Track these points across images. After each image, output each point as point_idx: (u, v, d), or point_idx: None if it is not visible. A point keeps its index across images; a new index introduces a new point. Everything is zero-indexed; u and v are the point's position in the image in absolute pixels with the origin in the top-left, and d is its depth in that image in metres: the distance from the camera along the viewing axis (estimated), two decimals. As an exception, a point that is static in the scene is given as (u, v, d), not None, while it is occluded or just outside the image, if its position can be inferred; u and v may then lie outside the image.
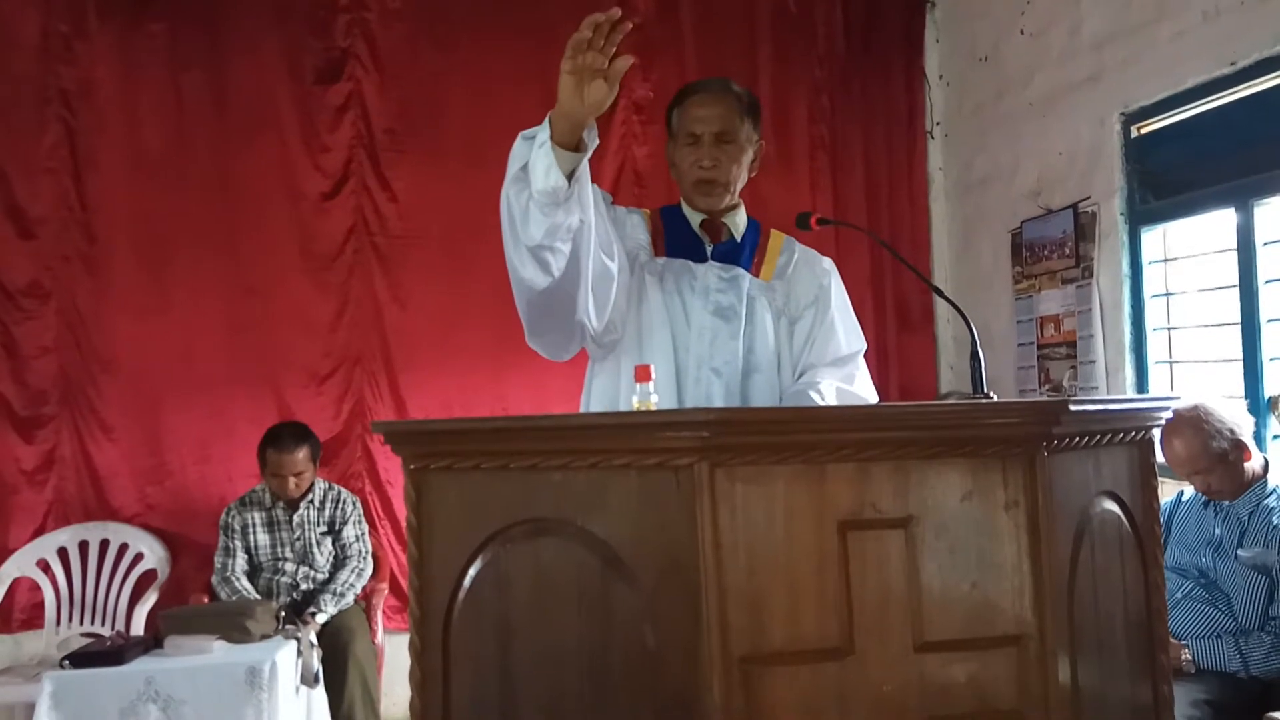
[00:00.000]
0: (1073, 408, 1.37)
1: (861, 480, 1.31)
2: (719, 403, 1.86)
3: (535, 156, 1.54)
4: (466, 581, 1.38)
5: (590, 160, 1.62)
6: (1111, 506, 1.57)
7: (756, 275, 1.95)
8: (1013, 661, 1.35)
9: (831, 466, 1.30)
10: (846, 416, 1.42)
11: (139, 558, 3.76)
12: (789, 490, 1.29)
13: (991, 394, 1.61)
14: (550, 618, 1.33)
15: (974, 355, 1.61)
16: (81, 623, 3.69)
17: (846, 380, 1.92)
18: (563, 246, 1.60)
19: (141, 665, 2.71)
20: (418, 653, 1.41)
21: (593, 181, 1.66)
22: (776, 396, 1.91)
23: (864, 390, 1.96)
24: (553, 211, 1.55)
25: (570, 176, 1.56)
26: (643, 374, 1.52)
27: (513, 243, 1.62)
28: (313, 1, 4.04)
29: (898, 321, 4.52)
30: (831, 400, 1.85)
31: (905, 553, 1.32)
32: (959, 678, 1.32)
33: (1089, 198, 3.62)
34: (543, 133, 1.55)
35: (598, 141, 1.60)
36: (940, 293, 1.74)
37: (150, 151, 3.93)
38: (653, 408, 1.52)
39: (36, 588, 3.71)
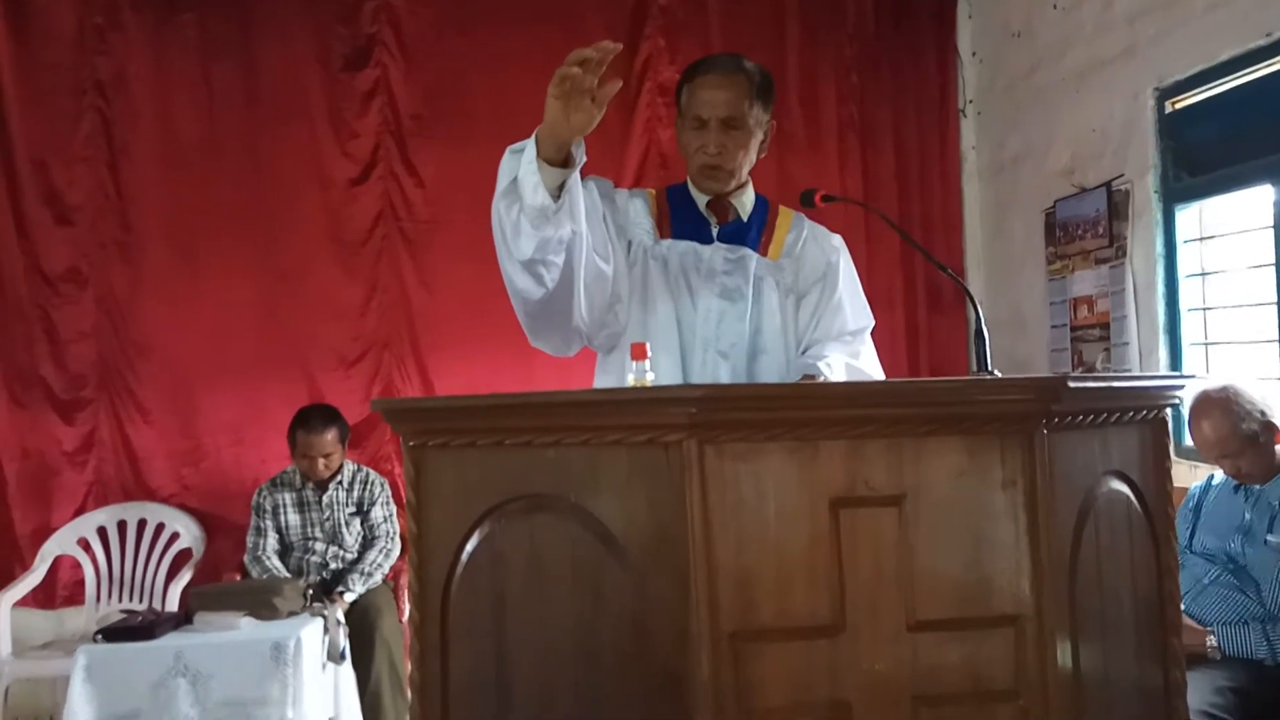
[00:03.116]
0: (1072, 385, 1.34)
1: (854, 457, 1.30)
2: (725, 384, 1.85)
3: (524, 173, 1.55)
4: (464, 557, 1.39)
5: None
6: (1120, 487, 1.54)
7: (764, 254, 1.93)
8: (1009, 642, 1.33)
9: (824, 444, 1.29)
10: (838, 393, 1.41)
11: (175, 537, 3.85)
12: (780, 467, 1.28)
13: (996, 372, 1.59)
14: (544, 593, 1.34)
15: (978, 333, 1.58)
16: (120, 600, 3.80)
17: (853, 356, 1.90)
18: (555, 259, 1.61)
19: (171, 640, 2.78)
20: (417, 626, 1.42)
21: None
22: (785, 377, 1.89)
23: (870, 367, 1.94)
24: (543, 225, 1.57)
25: (561, 187, 1.57)
26: (639, 352, 1.52)
27: (505, 256, 1.64)
28: (340, -12, 4.08)
29: (929, 301, 4.46)
30: (839, 373, 1.84)
31: (898, 530, 1.30)
32: (953, 657, 1.31)
33: (1122, 175, 3.54)
34: (529, 149, 1.56)
35: (585, 158, 1.61)
36: (945, 269, 1.72)
37: (183, 140, 4.00)
38: (648, 385, 1.52)
39: (77, 566, 3.82)
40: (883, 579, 1.29)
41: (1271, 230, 2.98)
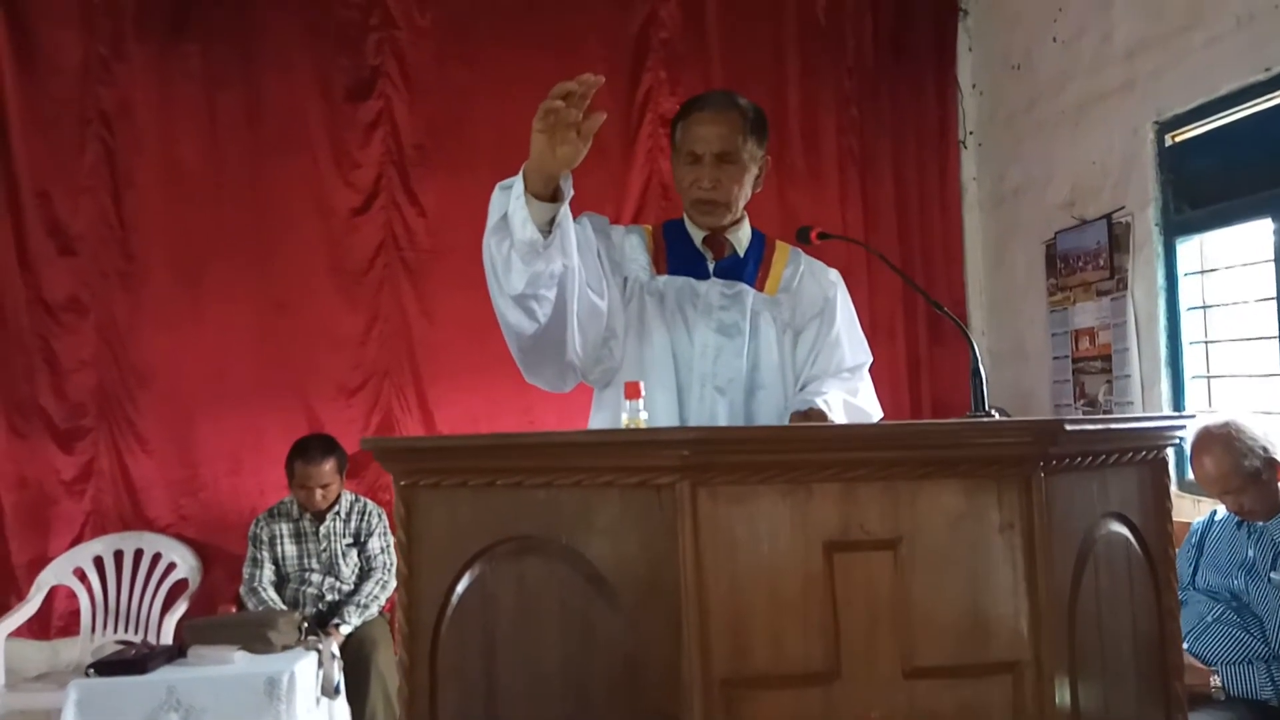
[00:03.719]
0: (1069, 428, 1.33)
1: (848, 500, 1.28)
2: (723, 422, 1.84)
3: (512, 209, 1.55)
4: (454, 599, 1.37)
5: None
6: (1119, 529, 1.52)
7: (761, 289, 1.92)
8: (1008, 689, 1.31)
9: (817, 486, 1.28)
10: (831, 436, 1.40)
11: (172, 567, 3.83)
12: (773, 510, 1.27)
13: (994, 412, 1.58)
14: (535, 636, 1.32)
15: (974, 372, 1.57)
16: (116, 630, 3.77)
17: (851, 393, 1.88)
18: (547, 293, 1.61)
19: (164, 675, 2.75)
20: (406, 669, 1.41)
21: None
22: (783, 413, 1.88)
23: (868, 405, 1.93)
24: (533, 260, 1.57)
25: (551, 222, 1.57)
26: (632, 391, 1.51)
27: (497, 291, 1.64)
28: (343, 20, 4.11)
29: (930, 335, 4.45)
30: (838, 410, 1.82)
31: (894, 574, 1.29)
32: (950, 705, 1.29)
33: (1123, 208, 3.54)
34: (518, 184, 1.56)
35: (573, 191, 1.61)
36: (941, 309, 1.71)
37: (186, 170, 4.02)
38: (642, 425, 1.51)
39: (73, 596, 3.79)
40: (878, 624, 1.27)
41: (1273, 264, 2.97)
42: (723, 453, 1.26)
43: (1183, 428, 1.63)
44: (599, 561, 1.28)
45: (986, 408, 1.56)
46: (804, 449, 1.29)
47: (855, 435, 1.38)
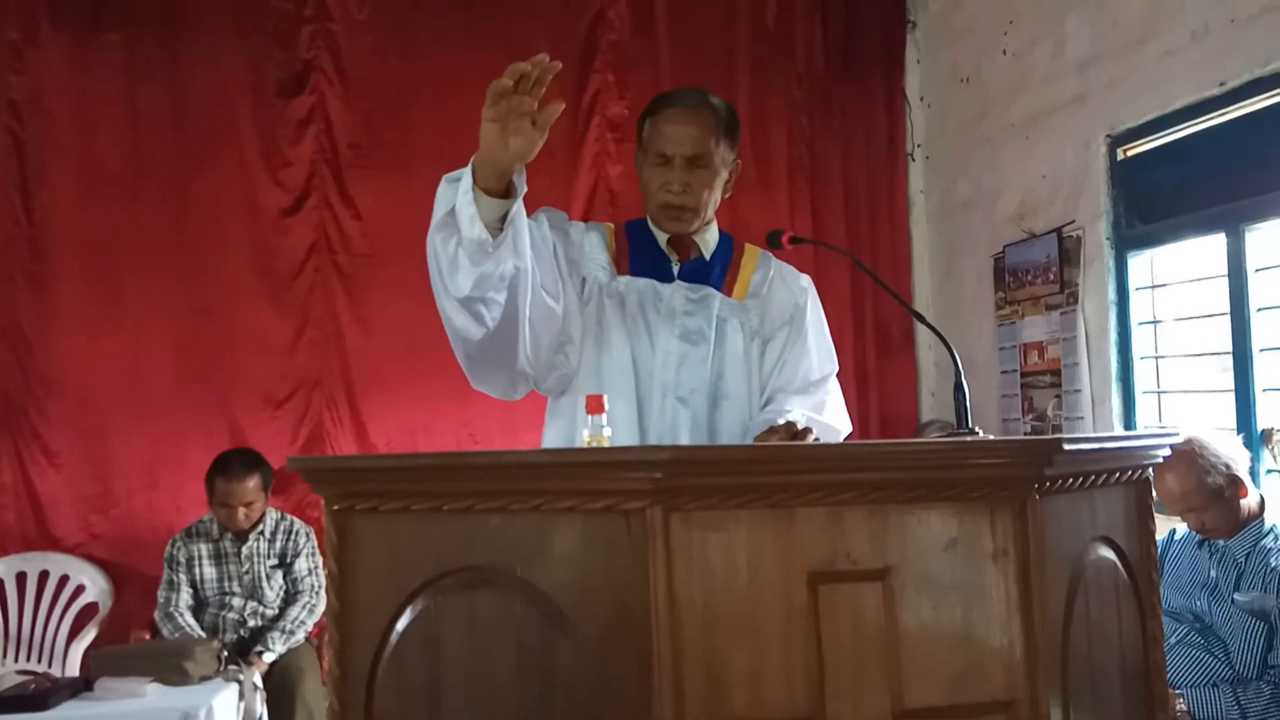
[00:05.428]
0: (1067, 447, 1.24)
1: (834, 526, 1.18)
2: (685, 434, 1.73)
3: (460, 204, 1.42)
4: (393, 638, 1.24)
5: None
6: (1107, 553, 1.44)
7: (729, 294, 1.81)
8: (1002, 729, 1.22)
9: (800, 511, 1.18)
10: (816, 456, 1.28)
11: (80, 590, 3.57)
12: (753, 537, 1.16)
13: (977, 429, 1.48)
14: (487, 680, 1.20)
15: (958, 387, 1.48)
16: (17, 660, 3.50)
17: (816, 408, 1.78)
18: (496, 296, 1.48)
19: (67, 711, 2.52)
20: (336, 717, 1.26)
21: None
22: (749, 426, 1.76)
23: (836, 418, 1.83)
24: (482, 260, 1.44)
25: (503, 220, 1.44)
26: (595, 405, 1.38)
27: (442, 292, 1.50)
28: (275, 11, 3.92)
29: (878, 345, 4.41)
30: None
31: (883, 608, 1.19)
32: (942, 749, 1.19)
33: (1073, 221, 3.53)
34: (466, 178, 1.43)
35: (526, 187, 1.48)
36: (923, 319, 1.62)
37: (103, 165, 3.78)
38: (606, 443, 1.38)
39: (-30, 622, 3.52)
40: (866, 663, 1.18)
41: (1225, 279, 2.96)
42: (698, 474, 1.15)
43: (1166, 446, 1.56)
44: (559, 595, 1.16)
45: (970, 424, 1.46)
46: (786, 470, 1.18)
47: (841, 456, 1.27)
